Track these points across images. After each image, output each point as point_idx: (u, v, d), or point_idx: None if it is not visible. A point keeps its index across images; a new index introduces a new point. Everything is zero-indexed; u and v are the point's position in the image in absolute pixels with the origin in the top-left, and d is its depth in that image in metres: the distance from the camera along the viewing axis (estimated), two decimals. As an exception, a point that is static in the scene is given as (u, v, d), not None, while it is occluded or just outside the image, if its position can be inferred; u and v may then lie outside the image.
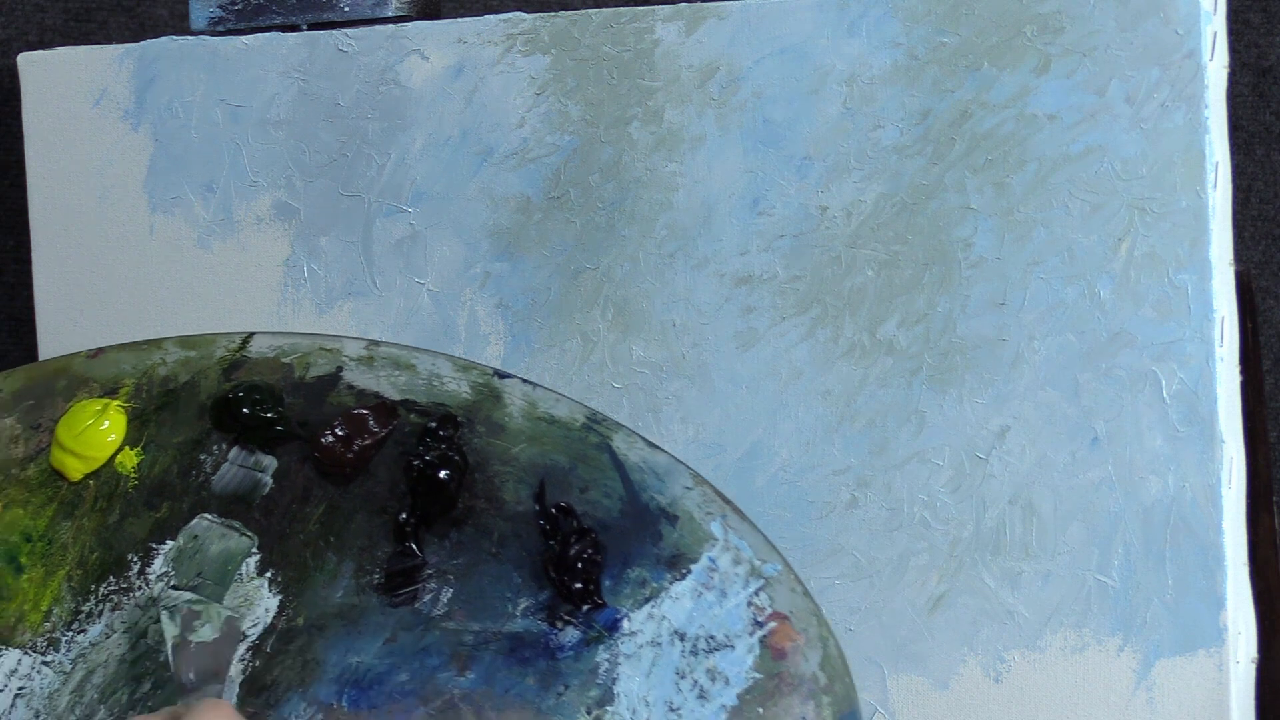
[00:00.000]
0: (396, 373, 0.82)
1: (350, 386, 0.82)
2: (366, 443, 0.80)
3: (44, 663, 0.82)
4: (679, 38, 0.83)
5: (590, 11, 0.84)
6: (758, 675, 0.77)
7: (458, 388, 0.81)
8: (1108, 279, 0.79)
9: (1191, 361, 0.78)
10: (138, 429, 0.84)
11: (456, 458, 0.80)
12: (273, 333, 0.83)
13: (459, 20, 0.86)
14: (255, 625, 0.81)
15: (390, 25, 0.86)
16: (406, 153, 0.86)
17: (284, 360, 0.83)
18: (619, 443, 0.79)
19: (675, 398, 0.83)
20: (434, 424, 0.80)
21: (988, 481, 0.80)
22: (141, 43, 0.89)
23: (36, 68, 0.90)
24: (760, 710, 0.76)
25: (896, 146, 0.81)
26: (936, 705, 0.81)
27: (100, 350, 0.85)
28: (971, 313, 0.80)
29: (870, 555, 0.81)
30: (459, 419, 0.80)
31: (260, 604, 0.81)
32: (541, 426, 0.80)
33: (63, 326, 0.90)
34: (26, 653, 0.83)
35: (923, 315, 0.81)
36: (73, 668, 0.82)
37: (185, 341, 0.83)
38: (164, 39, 0.89)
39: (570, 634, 0.78)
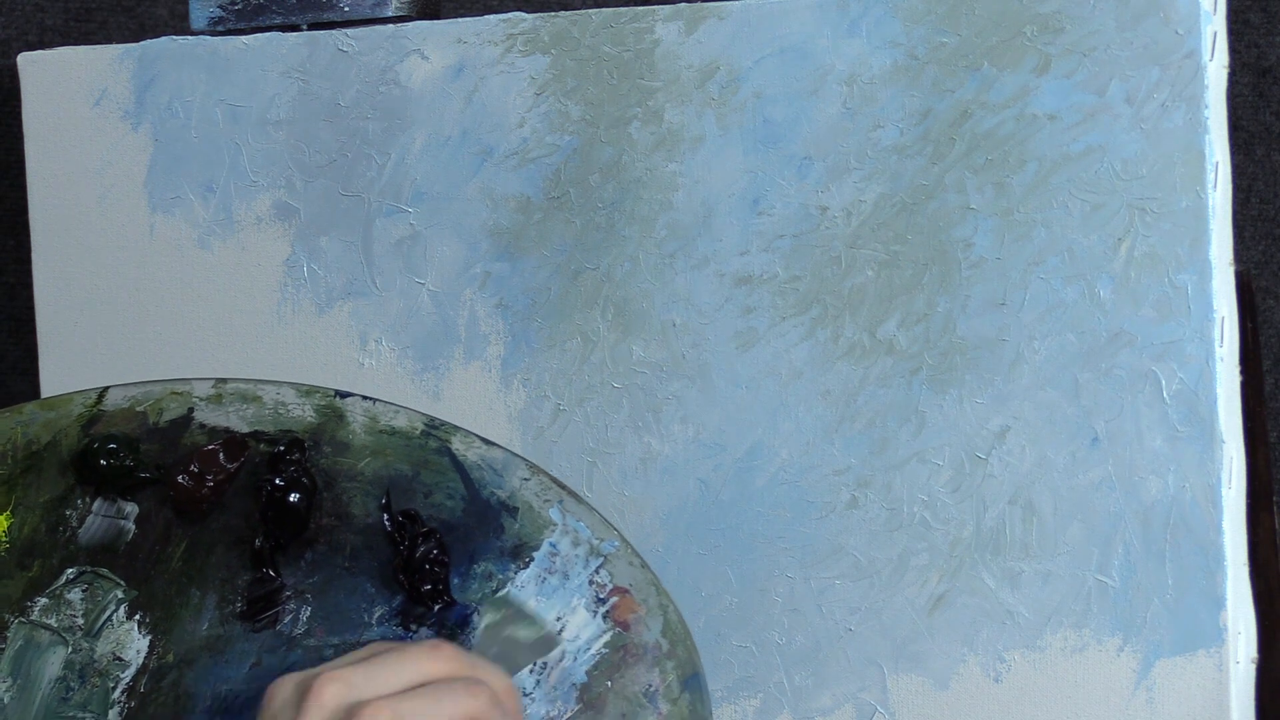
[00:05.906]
0: (244, 406, 0.83)
1: (202, 426, 0.83)
2: (220, 478, 0.82)
3: None
4: (679, 38, 0.83)
5: (590, 11, 0.84)
6: (604, 650, 0.78)
7: (302, 413, 0.83)
8: (1108, 279, 0.79)
9: (1191, 361, 0.78)
10: (4, 494, 0.84)
11: (305, 480, 0.82)
12: (125, 384, 0.84)
13: (459, 20, 0.86)
14: (129, 668, 0.82)
15: (390, 25, 0.86)
16: (406, 153, 0.86)
17: (138, 409, 0.84)
18: (457, 444, 0.81)
19: (675, 398, 0.83)
20: (281, 449, 0.82)
21: (988, 481, 0.80)
22: (141, 43, 0.89)
23: (36, 68, 0.90)
24: (609, 683, 0.78)
25: (896, 146, 0.81)
26: (936, 705, 0.81)
27: None
28: (971, 313, 0.80)
29: (870, 555, 0.81)
30: (305, 442, 0.82)
31: (131, 646, 0.82)
32: (383, 439, 0.82)
33: (63, 326, 0.90)
34: None
35: (923, 315, 0.81)
36: None
37: (44, 404, 0.84)
38: (164, 39, 0.89)
39: (424, 635, 0.80)
